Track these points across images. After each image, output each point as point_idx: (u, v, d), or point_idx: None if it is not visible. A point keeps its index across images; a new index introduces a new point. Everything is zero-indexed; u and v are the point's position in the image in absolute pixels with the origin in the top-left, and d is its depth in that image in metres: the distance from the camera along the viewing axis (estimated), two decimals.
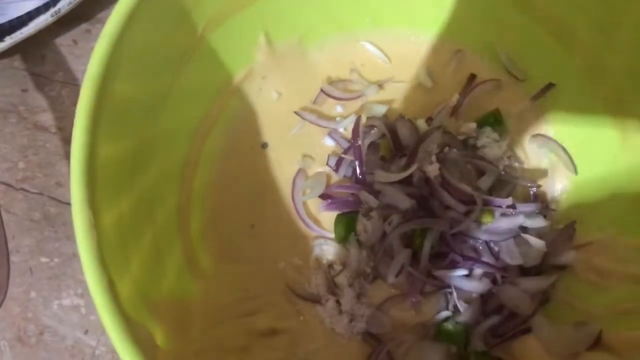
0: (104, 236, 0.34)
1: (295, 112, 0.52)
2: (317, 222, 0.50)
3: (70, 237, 0.51)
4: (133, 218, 0.39)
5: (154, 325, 0.36)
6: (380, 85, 0.53)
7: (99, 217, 0.34)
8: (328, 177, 0.51)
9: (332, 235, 0.49)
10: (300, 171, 0.51)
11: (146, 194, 0.42)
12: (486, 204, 0.46)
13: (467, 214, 0.46)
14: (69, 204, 0.52)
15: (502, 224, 0.46)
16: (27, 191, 0.52)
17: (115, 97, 0.37)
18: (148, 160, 0.43)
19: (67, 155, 0.53)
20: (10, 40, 0.52)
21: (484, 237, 0.46)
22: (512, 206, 0.46)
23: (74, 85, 0.55)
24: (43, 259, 0.51)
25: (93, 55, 0.35)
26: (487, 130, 0.51)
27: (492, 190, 0.48)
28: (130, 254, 0.38)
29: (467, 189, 0.45)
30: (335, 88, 0.53)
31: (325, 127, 0.52)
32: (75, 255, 0.51)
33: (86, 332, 0.49)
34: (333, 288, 0.48)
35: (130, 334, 0.30)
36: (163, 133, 0.44)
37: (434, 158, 0.47)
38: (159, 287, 0.40)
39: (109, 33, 0.35)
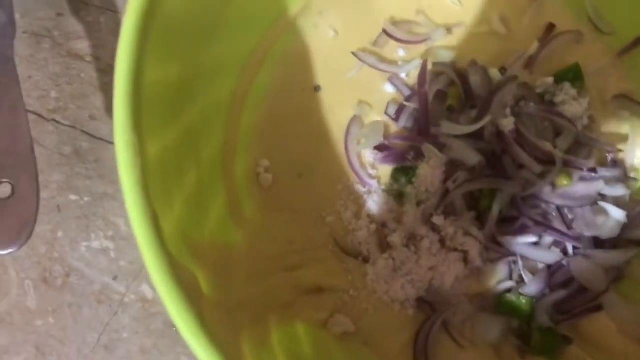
0: (148, 168, 0.30)
1: (353, 54, 0.48)
2: (371, 175, 0.46)
3: (103, 176, 0.47)
4: (177, 153, 0.36)
5: (196, 269, 0.32)
6: (448, 29, 0.48)
7: (143, 145, 0.30)
8: (386, 126, 0.47)
9: (387, 190, 0.45)
10: (356, 118, 0.46)
11: (192, 128, 0.38)
12: (566, 164, 0.41)
13: (541, 175, 0.41)
14: (102, 139, 0.48)
15: (579, 189, 0.42)
16: (59, 123, 0.48)
17: (164, 14, 0.33)
18: (195, 90, 0.39)
19: (102, 87, 0.49)
20: None
21: (558, 202, 0.42)
22: (594, 169, 0.41)
23: (113, 12, 0.51)
24: (72, 197, 0.47)
25: None
26: (566, 86, 0.46)
27: (568, 152, 0.44)
28: (174, 192, 0.34)
29: (547, 146, 0.41)
30: (398, 29, 0.48)
31: (385, 72, 0.48)
32: (107, 195, 0.47)
33: (115, 277, 0.46)
34: (385, 248, 0.44)
35: (175, 276, 0.27)
36: (211, 62, 0.41)
37: (508, 111, 0.42)
38: (201, 231, 0.36)
39: None
